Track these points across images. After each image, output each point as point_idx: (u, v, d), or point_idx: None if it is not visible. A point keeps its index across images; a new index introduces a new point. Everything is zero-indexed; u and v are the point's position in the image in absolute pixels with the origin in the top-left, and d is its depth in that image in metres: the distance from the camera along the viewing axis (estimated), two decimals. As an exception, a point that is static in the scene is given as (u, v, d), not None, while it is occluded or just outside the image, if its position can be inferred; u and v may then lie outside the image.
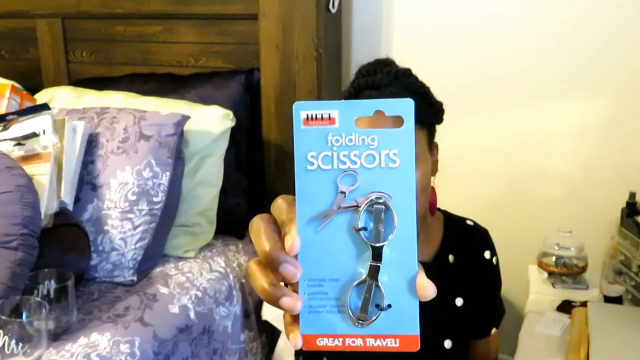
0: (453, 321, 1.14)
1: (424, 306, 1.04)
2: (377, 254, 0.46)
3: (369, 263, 0.46)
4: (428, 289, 0.47)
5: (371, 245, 0.46)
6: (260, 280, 0.46)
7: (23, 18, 2.22)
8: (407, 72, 1.07)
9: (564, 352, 1.26)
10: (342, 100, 0.47)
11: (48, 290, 1.26)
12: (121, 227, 1.54)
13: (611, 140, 1.73)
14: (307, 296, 0.47)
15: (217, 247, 1.76)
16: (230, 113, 1.75)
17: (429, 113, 1.06)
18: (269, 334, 1.80)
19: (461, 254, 1.17)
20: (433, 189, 1.11)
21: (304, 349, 0.47)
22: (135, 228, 1.55)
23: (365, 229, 0.46)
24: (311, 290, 0.47)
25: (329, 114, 0.46)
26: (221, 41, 1.96)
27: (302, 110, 0.46)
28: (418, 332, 0.47)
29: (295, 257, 0.46)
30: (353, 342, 0.47)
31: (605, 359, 1.16)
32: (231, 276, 1.67)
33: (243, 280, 1.70)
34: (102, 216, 1.56)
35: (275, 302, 0.46)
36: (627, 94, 1.70)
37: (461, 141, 1.86)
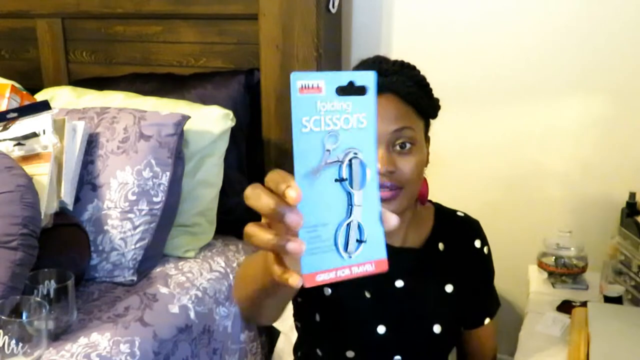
0: (443, 307, 1.16)
1: (415, 292, 1.07)
2: (357, 199, 0.57)
3: (351, 206, 0.56)
4: (391, 219, 0.58)
5: (353, 192, 0.56)
6: (265, 234, 0.55)
7: (23, 18, 2.22)
8: (411, 65, 1.11)
9: (564, 352, 1.26)
10: (326, 72, 0.55)
11: (48, 290, 1.26)
12: (121, 227, 1.54)
13: (611, 140, 1.73)
14: (306, 242, 0.55)
15: (217, 247, 1.76)
16: (230, 113, 1.75)
17: (429, 106, 1.10)
18: (269, 334, 1.80)
19: (451, 242, 1.19)
20: (425, 180, 1.14)
21: (306, 286, 0.55)
22: (135, 228, 1.55)
23: (345, 179, 0.56)
24: (308, 236, 0.55)
25: (317, 84, 0.55)
26: (221, 41, 1.96)
27: (298, 80, 0.54)
28: (386, 256, 0.59)
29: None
30: (342, 272, 0.57)
31: (605, 359, 1.16)
32: (231, 276, 1.67)
33: (243, 280, 1.70)
34: (102, 216, 1.56)
35: (282, 249, 0.53)
36: (627, 94, 1.70)
37: (461, 140, 1.87)
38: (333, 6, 1.78)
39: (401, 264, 1.13)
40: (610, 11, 1.66)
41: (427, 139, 1.13)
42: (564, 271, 1.57)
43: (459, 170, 1.88)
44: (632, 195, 1.53)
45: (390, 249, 1.02)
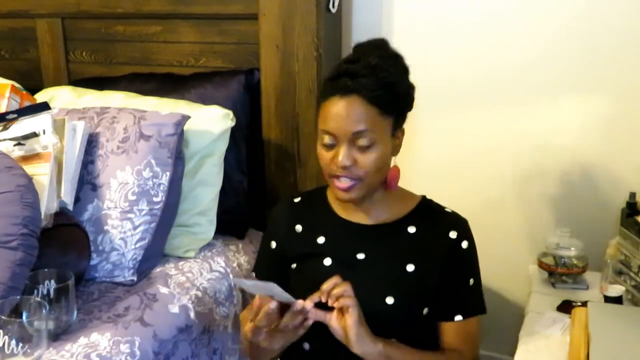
0: (399, 282, 1.21)
1: (374, 265, 1.24)
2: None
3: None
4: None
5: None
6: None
7: (23, 18, 2.22)
8: (384, 66, 1.17)
9: (564, 352, 1.26)
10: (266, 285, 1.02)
11: (48, 290, 1.26)
12: (121, 227, 1.54)
13: (611, 140, 1.73)
14: None
15: (217, 247, 1.76)
16: (230, 113, 1.75)
17: (396, 105, 1.19)
18: (269, 334, 1.80)
19: (424, 227, 1.25)
20: (396, 167, 1.24)
21: None
22: (135, 228, 1.55)
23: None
24: None
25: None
26: (221, 41, 1.96)
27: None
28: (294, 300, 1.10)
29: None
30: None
31: (606, 359, 1.16)
32: (231, 276, 1.67)
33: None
34: (102, 216, 1.56)
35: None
36: (628, 94, 1.69)
37: (462, 140, 1.87)
38: (333, 6, 1.78)
39: (364, 238, 1.25)
40: (610, 11, 1.66)
41: (399, 131, 1.22)
42: (564, 271, 1.57)
43: (460, 170, 1.88)
44: (632, 195, 1.53)
45: (354, 226, 1.28)
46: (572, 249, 1.58)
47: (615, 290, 1.44)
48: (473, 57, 1.82)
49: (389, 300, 1.19)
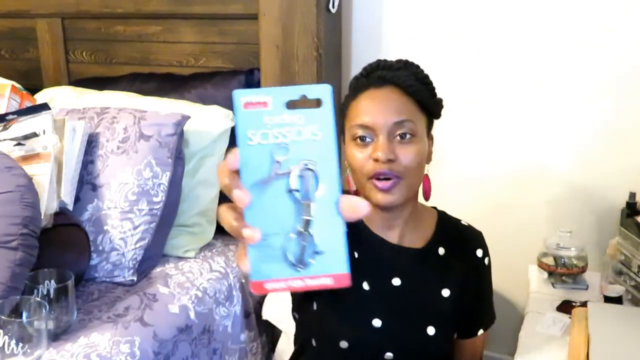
0: (438, 310, 1.16)
1: (412, 292, 1.12)
2: (307, 210, 0.54)
3: (303, 217, 0.54)
4: (361, 207, 0.54)
5: (303, 203, 0.54)
6: (228, 217, 0.55)
7: (23, 18, 2.23)
8: (415, 64, 1.14)
9: (564, 352, 1.26)
10: (274, 87, 0.55)
11: (48, 290, 1.26)
12: (121, 227, 1.54)
13: (611, 140, 1.73)
14: (256, 249, 0.56)
15: (217, 247, 1.76)
16: (230, 113, 1.75)
17: (431, 102, 1.13)
18: (269, 334, 1.80)
19: (452, 248, 1.19)
20: (427, 176, 1.16)
21: (253, 292, 0.56)
22: (135, 228, 1.55)
23: (297, 190, 0.54)
24: (259, 244, 0.55)
25: (263, 99, 0.54)
26: (221, 41, 1.96)
27: (241, 96, 0.54)
28: (348, 271, 0.55)
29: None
30: (294, 282, 0.55)
31: (605, 359, 1.16)
32: (231, 276, 1.67)
33: (243, 280, 1.70)
34: (102, 216, 1.56)
35: (239, 235, 0.55)
36: (628, 94, 1.69)
37: (462, 141, 1.86)
38: (333, 6, 1.78)
39: (399, 262, 1.15)
40: (611, 12, 1.66)
41: (430, 137, 1.15)
42: (564, 271, 1.57)
43: (460, 171, 1.88)
44: (632, 195, 1.53)
45: (388, 246, 1.10)
46: (572, 249, 1.58)
47: (615, 290, 1.44)
48: (474, 57, 1.81)
49: (430, 330, 1.13)
